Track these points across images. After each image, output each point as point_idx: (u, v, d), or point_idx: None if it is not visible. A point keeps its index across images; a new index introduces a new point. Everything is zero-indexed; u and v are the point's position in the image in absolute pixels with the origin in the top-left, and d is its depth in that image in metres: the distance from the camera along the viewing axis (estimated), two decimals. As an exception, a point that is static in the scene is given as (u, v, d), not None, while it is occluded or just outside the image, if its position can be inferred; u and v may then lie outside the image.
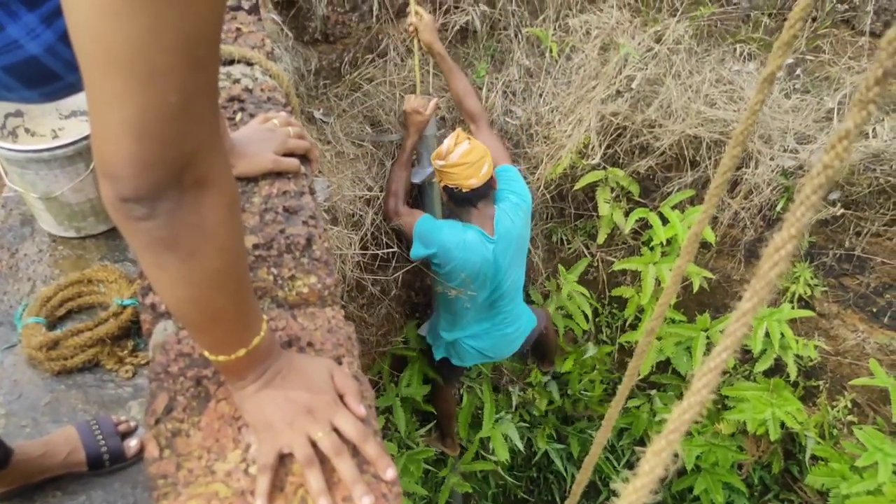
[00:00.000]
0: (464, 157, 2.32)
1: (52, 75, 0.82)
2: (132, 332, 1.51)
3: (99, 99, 0.56)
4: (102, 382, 1.43)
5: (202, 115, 0.59)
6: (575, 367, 3.55)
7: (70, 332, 1.44)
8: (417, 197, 2.82)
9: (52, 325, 1.51)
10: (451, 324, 2.72)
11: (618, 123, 2.91)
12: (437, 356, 2.88)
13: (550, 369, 3.63)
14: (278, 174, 1.17)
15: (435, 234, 2.41)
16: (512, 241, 2.53)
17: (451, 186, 2.39)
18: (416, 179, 2.65)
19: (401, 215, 2.46)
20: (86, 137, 1.61)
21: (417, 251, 2.42)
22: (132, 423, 1.33)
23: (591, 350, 3.54)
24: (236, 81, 1.36)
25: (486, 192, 2.42)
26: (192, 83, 0.56)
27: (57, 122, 1.73)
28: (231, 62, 1.39)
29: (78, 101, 1.74)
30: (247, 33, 1.51)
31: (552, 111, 2.93)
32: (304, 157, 1.24)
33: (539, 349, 3.39)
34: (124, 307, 1.49)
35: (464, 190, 2.38)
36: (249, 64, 1.41)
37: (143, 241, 0.63)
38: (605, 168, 2.97)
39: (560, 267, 3.35)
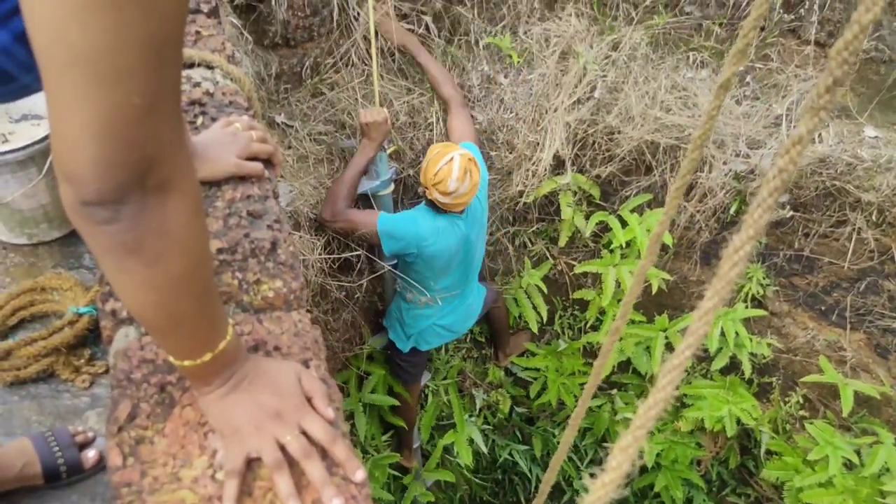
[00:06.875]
0: (467, 190, 2.35)
1: (6, 76, 0.79)
2: (89, 340, 1.47)
3: (59, 100, 0.55)
4: (58, 393, 1.39)
5: (166, 117, 0.59)
6: (549, 359, 3.58)
7: (23, 341, 1.40)
8: (361, 207, 2.75)
9: (3, 335, 1.46)
10: (422, 312, 2.75)
11: (582, 132, 2.96)
12: (405, 348, 2.88)
13: (505, 362, 3.67)
14: (242, 178, 1.16)
15: (406, 225, 2.42)
16: (478, 216, 2.67)
17: (437, 199, 2.39)
18: (363, 189, 2.60)
19: (349, 216, 2.41)
20: (38, 142, 1.56)
21: (390, 246, 2.43)
22: (90, 434, 1.30)
23: (563, 345, 3.59)
24: (197, 85, 1.34)
25: None
26: (155, 84, 0.56)
27: (7, 126, 1.67)
28: (191, 65, 1.37)
29: (29, 104, 1.69)
30: (206, 37, 1.49)
31: (514, 118, 2.96)
32: (268, 161, 1.23)
33: (490, 325, 3.48)
34: (80, 315, 1.45)
35: (449, 202, 2.39)
36: (210, 67, 1.39)
37: (106, 246, 0.62)
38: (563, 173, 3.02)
39: (526, 260, 3.40)
